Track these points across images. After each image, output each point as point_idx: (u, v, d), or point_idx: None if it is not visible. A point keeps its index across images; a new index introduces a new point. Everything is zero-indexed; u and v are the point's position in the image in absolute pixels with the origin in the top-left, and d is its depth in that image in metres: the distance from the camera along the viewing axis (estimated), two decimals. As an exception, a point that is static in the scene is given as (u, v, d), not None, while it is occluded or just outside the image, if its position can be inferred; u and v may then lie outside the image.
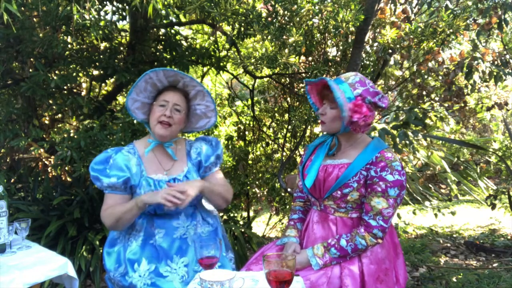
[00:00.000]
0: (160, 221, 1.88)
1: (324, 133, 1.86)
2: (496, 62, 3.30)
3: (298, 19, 2.50)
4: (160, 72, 1.85)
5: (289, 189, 3.43)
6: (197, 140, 2.05)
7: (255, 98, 4.28)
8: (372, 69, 3.22)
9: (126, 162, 1.85)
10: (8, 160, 3.76)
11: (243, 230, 3.50)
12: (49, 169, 3.58)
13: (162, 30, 3.96)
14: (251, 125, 4.45)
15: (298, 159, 4.16)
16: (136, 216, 1.79)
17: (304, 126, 3.51)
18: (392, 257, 1.76)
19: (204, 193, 1.86)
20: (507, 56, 3.29)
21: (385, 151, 1.68)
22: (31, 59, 3.30)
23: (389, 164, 1.64)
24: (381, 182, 1.64)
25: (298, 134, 3.92)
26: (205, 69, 4.43)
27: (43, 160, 3.55)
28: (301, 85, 3.69)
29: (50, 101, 3.41)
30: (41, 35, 3.05)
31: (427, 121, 3.70)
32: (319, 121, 1.85)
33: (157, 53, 3.81)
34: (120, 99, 4.33)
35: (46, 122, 3.86)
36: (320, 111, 1.79)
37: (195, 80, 1.88)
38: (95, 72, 3.63)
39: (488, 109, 4.06)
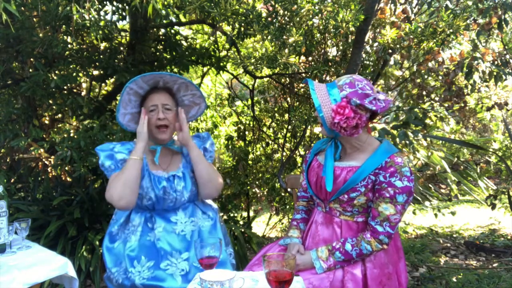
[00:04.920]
0: (158, 217, 1.92)
1: (325, 136, 1.85)
2: (496, 62, 3.29)
3: (298, 19, 2.50)
4: (138, 80, 1.87)
5: (289, 189, 3.43)
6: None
7: (255, 98, 4.28)
8: (372, 69, 3.22)
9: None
10: (8, 160, 3.76)
11: (243, 230, 3.50)
12: (49, 169, 3.57)
13: (162, 30, 3.96)
14: (251, 125, 4.45)
15: (298, 159, 4.16)
16: (139, 168, 1.81)
17: (304, 126, 3.50)
18: (395, 261, 1.75)
19: (192, 156, 1.93)
20: (507, 56, 3.29)
21: (395, 156, 1.65)
22: (31, 59, 3.29)
23: (398, 169, 1.62)
24: (390, 188, 1.61)
25: (298, 134, 3.92)
26: (205, 69, 4.42)
27: (43, 160, 3.54)
28: (301, 85, 3.70)
29: (50, 101, 3.41)
30: (41, 35, 3.05)
31: (427, 121, 3.69)
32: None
33: (157, 53, 3.81)
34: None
35: (46, 122, 3.85)
36: (314, 113, 1.78)
37: (173, 74, 1.91)
38: (95, 72, 3.62)
39: (488, 109, 4.05)
